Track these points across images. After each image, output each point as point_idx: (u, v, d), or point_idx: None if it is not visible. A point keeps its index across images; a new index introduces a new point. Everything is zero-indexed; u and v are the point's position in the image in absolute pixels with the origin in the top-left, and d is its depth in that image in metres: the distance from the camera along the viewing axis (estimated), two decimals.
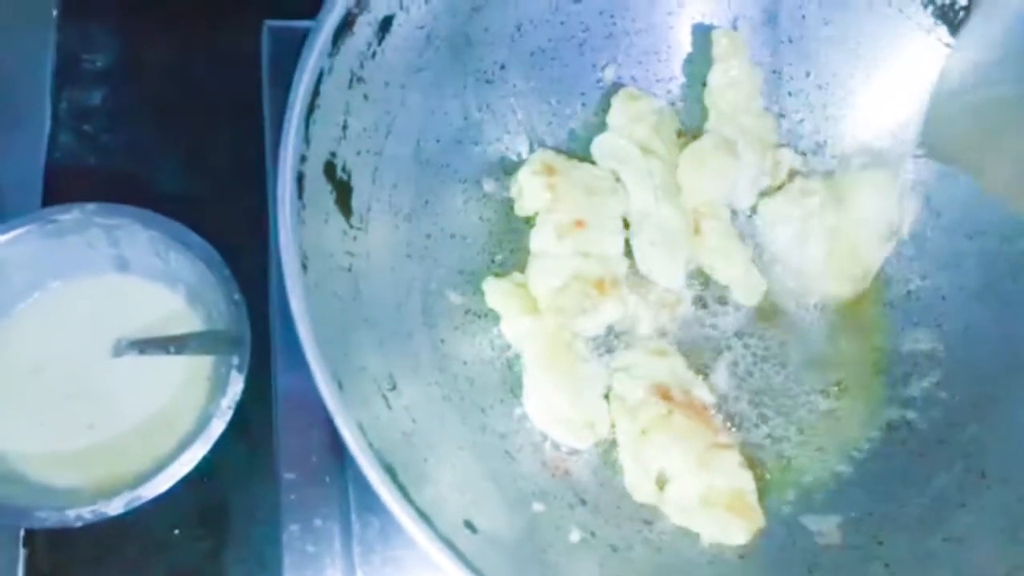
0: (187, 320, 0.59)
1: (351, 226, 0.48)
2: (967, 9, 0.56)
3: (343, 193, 0.47)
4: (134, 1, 0.74)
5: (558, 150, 0.59)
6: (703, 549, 0.51)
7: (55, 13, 0.72)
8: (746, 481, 0.50)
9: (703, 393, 0.53)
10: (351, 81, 0.48)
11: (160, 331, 0.58)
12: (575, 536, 0.49)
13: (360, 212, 0.49)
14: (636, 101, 0.59)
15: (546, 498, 0.50)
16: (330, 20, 0.45)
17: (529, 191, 0.56)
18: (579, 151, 0.60)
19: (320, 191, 0.45)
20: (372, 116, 0.50)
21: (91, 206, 0.57)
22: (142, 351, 0.57)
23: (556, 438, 0.51)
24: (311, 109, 0.44)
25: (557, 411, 0.51)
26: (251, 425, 0.57)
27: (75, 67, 0.70)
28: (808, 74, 0.61)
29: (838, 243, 0.57)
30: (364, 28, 0.48)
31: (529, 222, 0.57)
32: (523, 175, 0.56)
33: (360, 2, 0.47)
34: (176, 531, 0.58)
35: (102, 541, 0.56)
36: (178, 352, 0.57)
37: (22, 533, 0.56)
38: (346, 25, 0.46)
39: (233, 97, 0.68)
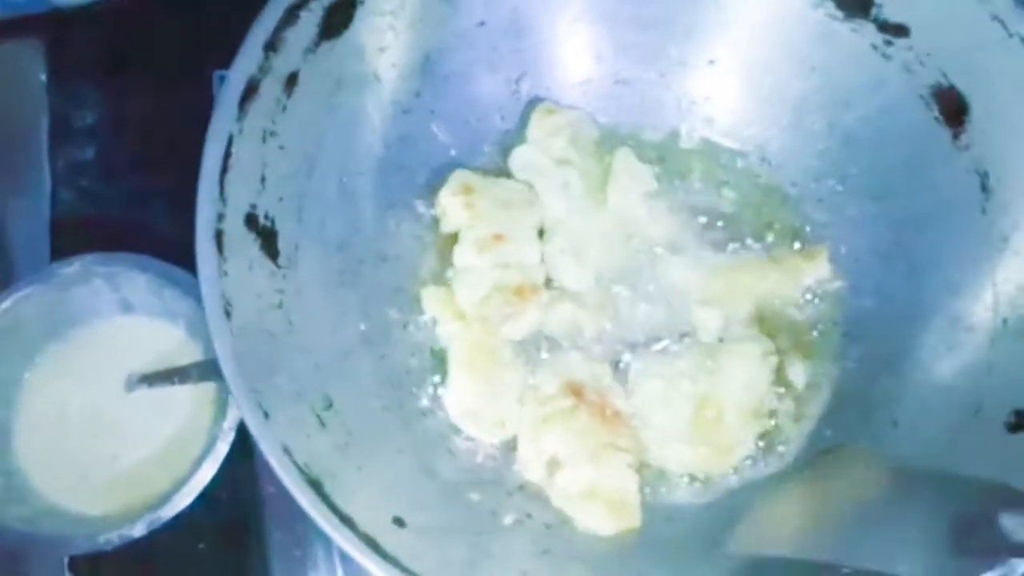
0: (189, 351, 0.64)
1: (279, 266, 0.53)
2: None
3: (268, 238, 0.52)
4: (114, 61, 0.78)
5: (480, 169, 0.63)
6: None
7: (43, 77, 0.77)
8: (631, 484, 0.54)
9: (619, 401, 0.57)
10: (264, 137, 0.52)
11: (166, 364, 0.63)
12: (509, 519, 0.53)
13: (288, 252, 0.53)
14: (551, 115, 0.63)
15: (484, 487, 0.55)
16: (234, 90, 0.50)
17: (450, 210, 0.60)
18: (504, 164, 0.64)
19: (242, 241, 0.50)
20: (291, 163, 0.54)
21: (90, 257, 0.61)
22: (150, 384, 0.62)
23: (467, 431, 0.56)
24: (224, 170, 0.49)
25: (469, 407, 0.56)
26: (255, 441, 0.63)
27: (67, 126, 0.75)
28: (711, 62, 0.64)
29: (704, 411, 0.57)
30: (270, 88, 0.52)
31: (455, 237, 0.61)
32: (443, 196, 0.60)
33: (262, 67, 0.51)
34: (201, 545, 0.62)
35: (138, 559, 0.60)
36: (182, 382, 0.61)
37: (67, 560, 0.61)
38: (250, 90, 0.51)
39: (201, 142, 0.74)
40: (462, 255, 0.59)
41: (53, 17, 0.78)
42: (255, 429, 0.44)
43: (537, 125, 0.63)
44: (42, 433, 0.62)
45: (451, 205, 0.60)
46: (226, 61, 0.72)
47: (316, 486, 0.45)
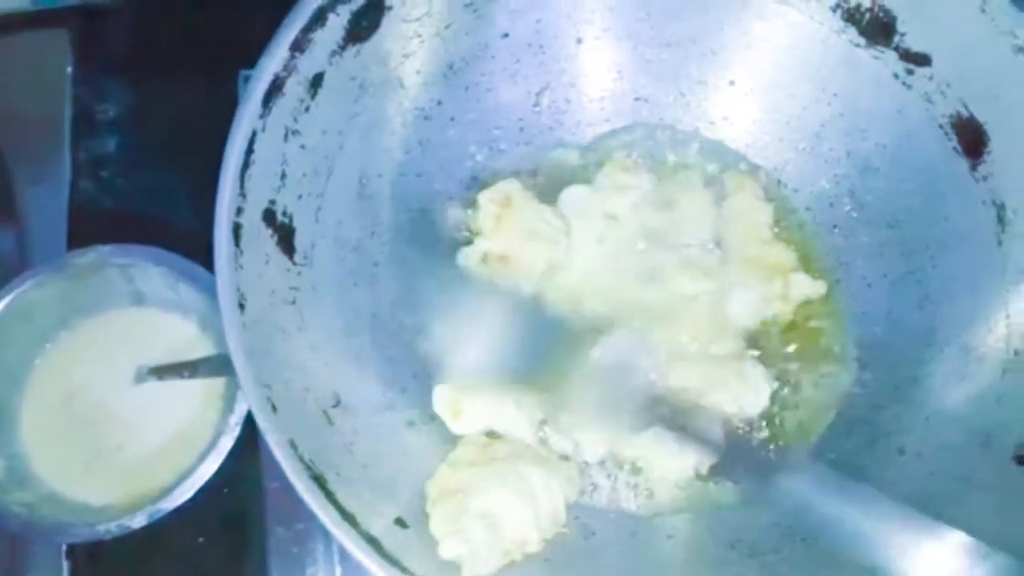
0: (200, 346, 0.64)
1: (295, 263, 0.53)
2: (871, 11, 0.59)
3: (285, 235, 0.53)
4: (137, 56, 0.79)
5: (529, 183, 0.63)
6: (633, 531, 0.55)
7: (69, 70, 0.78)
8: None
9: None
10: (286, 135, 0.53)
11: (176, 357, 0.63)
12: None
13: (304, 250, 0.54)
14: (625, 172, 0.63)
15: None
16: (259, 86, 0.50)
17: (481, 212, 0.61)
18: (518, 173, 0.64)
19: (260, 236, 0.51)
20: (311, 162, 0.54)
21: (106, 248, 0.62)
22: (160, 377, 0.62)
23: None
24: (246, 165, 0.49)
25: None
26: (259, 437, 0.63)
27: (90, 118, 0.76)
28: (732, 83, 0.65)
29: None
30: (295, 87, 0.52)
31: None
32: (483, 196, 0.61)
33: (288, 66, 0.52)
34: (200, 539, 0.63)
35: (136, 550, 0.61)
36: (191, 376, 0.62)
37: (64, 547, 0.62)
38: (275, 88, 0.51)
39: (223, 139, 0.74)
40: (467, 256, 0.60)
41: (81, 10, 0.79)
42: (262, 421, 0.45)
43: (609, 175, 0.63)
44: (48, 419, 0.62)
45: (484, 208, 0.60)
46: (251, 61, 0.74)
47: (320, 482, 0.45)
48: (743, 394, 0.57)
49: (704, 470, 0.56)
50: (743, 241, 0.61)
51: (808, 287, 0.60)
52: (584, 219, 0.61)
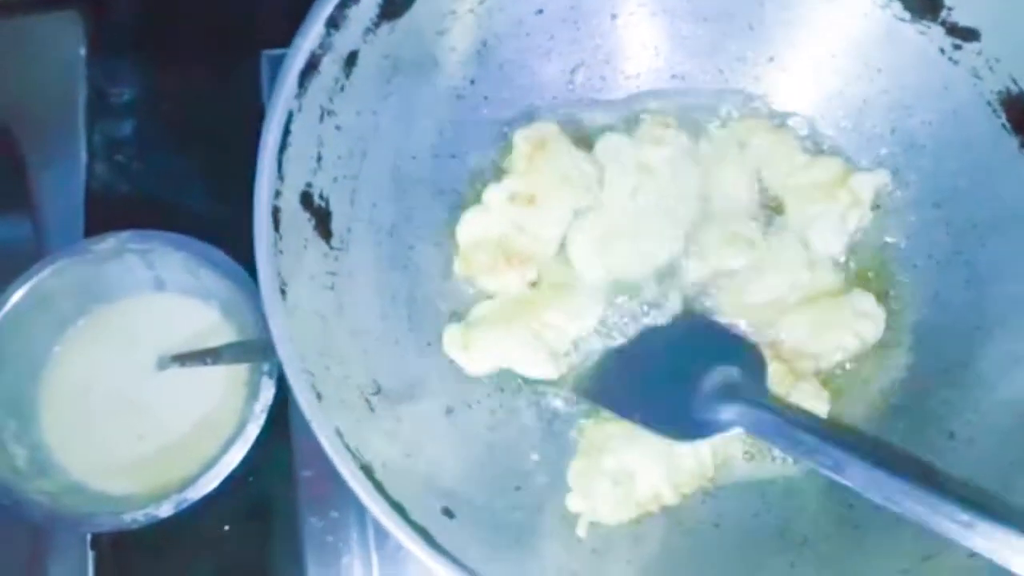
0: (222, 332, 0.63)
1: (331, 247, 0.52)
2: None
3: (322, 218, 0.52)
4: (150, 38, 0.78)
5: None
6: (679, 520, 0.54)
7: (83, 52, 0.77)
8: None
9: None
10: (322, 116, 0.51)
11: (198, 344, 0.62)
12: (556, 516, 0.53)
13: (340, 233, 0.53)
14: (665, 128, 0.61)
15: (530, 482, 0.54)
16: (294, 65, 0.49)
17: (515, 150, 0.59)
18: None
19: (297, 220, 0.49)
20: (346, 144, 0.53)
21: (125, 234, 0.61)
22: (182, 364, 0.61)
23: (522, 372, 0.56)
24: (283, 147, 0.48)
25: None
26: (290, 424, 0.62)
27: (105, 101, 0.75)
28: (771, 59, 0.63)
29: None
30: (330, 66, 0.51)
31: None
32: (518, 135, 0.59)
33: (323, 43, 0.51)
34: (226, 527, 0.63)
35: (161, 540, 0.61)
36: (214, 363, 0.61)
37: (89, 537, 0.61)
38: (311, 67, 0.50)
39: (242, 121, 0.73)
40: (492, 193, 0.58)
41: None
42: (308, 410, 0.43)
43: (648, 129, 0.61)
44: (68, 408, 0.62)
45: (519, 147, 0.59)
46: (271, 41, 0.73)
47: (368, 471, 0.44)
48: (860, 325, 0.56)
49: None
50: (784, 177, 0.60)
51: (873, 179, 0.59)
52: (619, 169, 0.60)
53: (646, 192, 0.59)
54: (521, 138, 0.59)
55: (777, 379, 0.54)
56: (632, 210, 0.59)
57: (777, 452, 0.54)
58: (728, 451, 0.55)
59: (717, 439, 0.52)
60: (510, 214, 0.58)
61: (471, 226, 0.58)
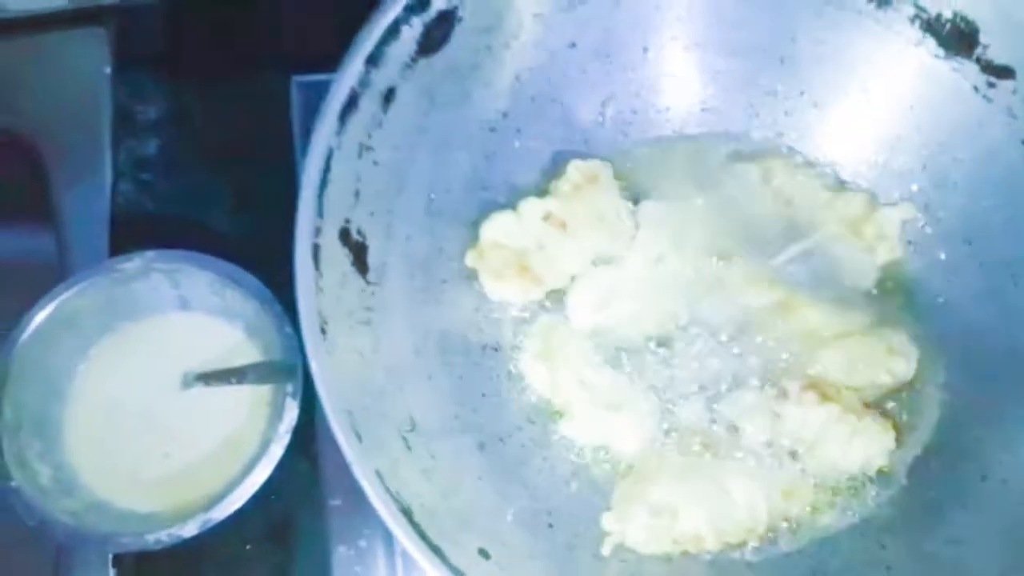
0: (246, 352, 0.63)
1: (368, 282, 0.52)
2: (952, 21, 0.57)
3: (359, 253, 0.52)
4: (177, 56, 0.78)
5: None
6: (712, 559, 0.54)
7: (108, 70, 0.77)
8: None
9: None
10: (360, 152, 0.52)
11: (222, 363, 0.62)
12: (590, 552, 0.53)
13: (376, 267, 0.53)
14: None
15: (562, 517, 0.54)
16: (335, 102, 0.49)
17: (565, 176, 0.60)
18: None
19: (336, 256, 0.50)
20: (383, 179, 0.54)
21: (151, 253, 0.61)
22: (207, 383, 0.61)
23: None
24: (323, 184, 0.49)
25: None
26: (313, 445, 0.62)
27: (131, 119, 0.75)
28: (802, 93, 0.63)
29: None
30: (368, 103, 0.52)
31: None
32: (573, 165, 0.60)
33: (363, 80, 0.51)
34: (248, 547, 0.62)
35: (182, 559, 0.60)
36: (239, 382, 0.61)
37: (111, 556, 0.61)
38: (351, 104, 0.50)
39: (269, 144, 0.73)
40: (530, 204, 0.59)
41: (120, 8, 0.77)
42: (349, 453, 0.44)
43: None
44: (93, 427, 0.61)
45: (571, 174, 0.60)
46: (300, 65, 0.73)
47: (407, 514, 0.44)
48: (893, 362, 0.56)
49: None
50: (812, 212, 0.61)
51: (899, 213, 0.60)
52: (653, 236, 0.61)
53: (670, 263, 0.60)
54: (576, 168, 0.60)
55: (835, 419, 0.54)
56: (647, 277, 0.60)
57: (840, 502, 0.55)
58: (790, 510, 0.55)
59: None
60: (538, 230, 0.59)
61: (498, 225, 0.59)
